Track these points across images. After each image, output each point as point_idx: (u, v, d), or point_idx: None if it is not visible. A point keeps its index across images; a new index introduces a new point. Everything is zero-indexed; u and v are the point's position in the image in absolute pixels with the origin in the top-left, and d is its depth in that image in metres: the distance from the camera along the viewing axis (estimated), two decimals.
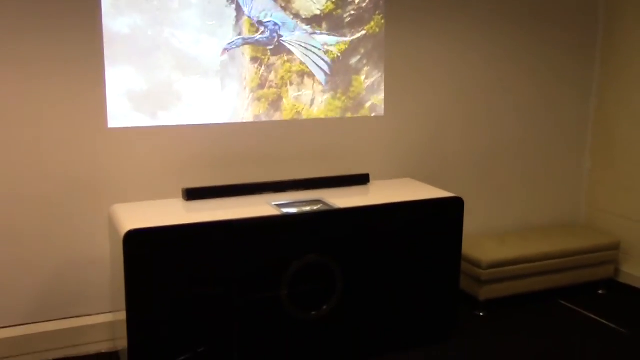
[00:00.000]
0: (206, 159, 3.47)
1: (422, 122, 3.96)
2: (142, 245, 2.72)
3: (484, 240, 4.02)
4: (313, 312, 3.07)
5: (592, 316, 3.78)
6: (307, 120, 3.66)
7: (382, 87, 3.80)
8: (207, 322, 2.89)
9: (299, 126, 3.65)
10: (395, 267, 3.23)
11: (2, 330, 3.19)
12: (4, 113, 3.07)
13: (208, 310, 2.88)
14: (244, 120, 3.52)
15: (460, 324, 3.53)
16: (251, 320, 2.97)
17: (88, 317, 3.35)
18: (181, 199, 3.20)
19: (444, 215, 3.30)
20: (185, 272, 2.82)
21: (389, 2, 3.73)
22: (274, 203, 3.14)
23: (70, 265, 3.28)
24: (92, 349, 3.31)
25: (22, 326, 3.23)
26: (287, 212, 3.01)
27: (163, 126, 3.35)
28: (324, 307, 3.09)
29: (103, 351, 3.31)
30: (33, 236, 3.19)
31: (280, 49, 3.52)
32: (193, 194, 3.18)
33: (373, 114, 3.81)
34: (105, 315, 3.34)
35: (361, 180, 3.54)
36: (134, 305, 2.75)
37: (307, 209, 3.11)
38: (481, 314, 3.79)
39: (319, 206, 3.15)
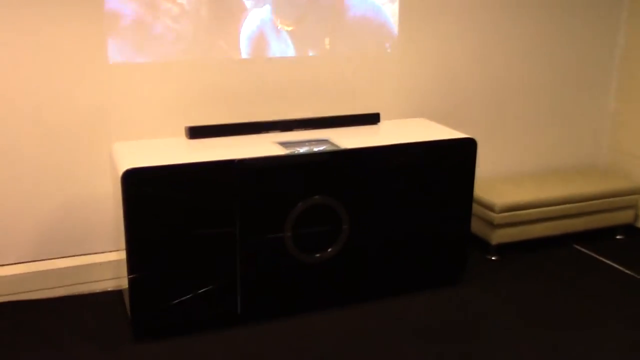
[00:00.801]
0: (212, 95, 3.36)
1: (438, 58, 3.78)
2: (140, 184, 2.65)
3: (499, 183, 3.89)
4: (317, 255, 3.01)
5: (608, 262, 3.68)
6: (316, 57, 3.51)
7: None
8: (209, 263, 2.85)
9: (307, 63, 3.51)
10: (405, 210, 3.14)
11: (7, 267, 3.19)
12: (5, 50, 2.97)
13: (211, 250, 2.84)
14: (251, 56, 3.38)
15: (471, 268, 3.46)
16: (255, 262, 2.92)
17: (94, 255, 3.33)
18: (184, 137, 3.12)
19: (456, 157, 3.18)
20: (186, 212, 2.76)
21: None
22: (279, 142, 3.04)
23: (75, 203, 3.24)
24: (98, 287, 3.31)
25: (26, 263, 3.23)
26: (291, 152, 2.91)
27: (167, 61, 3.24)
28: (329, 250, 3.02)
29: (109, 289, 3.31)
30: (36, 173, 3.14)
31: None
32: (196, 132, 3.09)
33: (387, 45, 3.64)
34: (111, 254, 3.32)
35: (371, 119, 3.41)
36: (133, 245, 2.71)
37: (313, 148, 3.00)
38: (493, 258, 3.71)
39: (325, 146, 3.04)
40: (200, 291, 2.87)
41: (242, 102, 3.41)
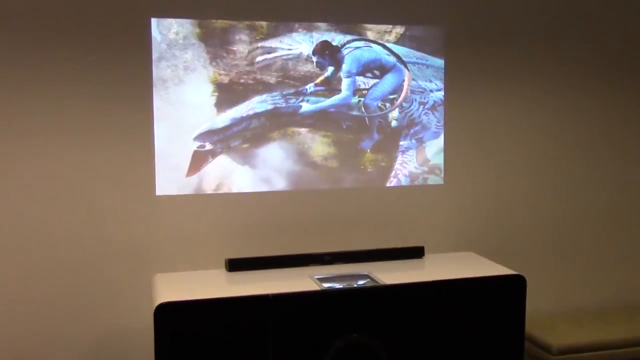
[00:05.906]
0: (255, 227, 3.39)
1: (486, 190, 3.71)
2: (173, 319, 2.63)
3: (558, 321, 3.64)
4: None
5: None
6: (359, 188, 3.52)
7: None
8: None
9: (351, 194, 3.52)
10: (451, 351, 2.95)
11: None
12: (53, 180, 3.14)
13: None
14: (298, 188, 3.43)
15: None
16: None
17: None
18: (224, 269, 3.12)
19: (504, 295, 3.01)
20: (220, 348, 2.70)
21: (448, 63, 3.58)
22: (316, 277, 2.98)
23: (115, 335, 3.26)
24: None
25: None
26: (327, 288, 2.85)
27: (211, 194, 3.33)
28: None
29: None
30: (76, 305, 3.20)
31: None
32: (235, 265, 3.09)
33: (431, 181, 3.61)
34: None
35: (415, 253, 3.32)
36: None
37: (352, 284, 2.92)
38: None
39: (364, 282, 2.96)
40: None
41: (285, 234, 3.42)
